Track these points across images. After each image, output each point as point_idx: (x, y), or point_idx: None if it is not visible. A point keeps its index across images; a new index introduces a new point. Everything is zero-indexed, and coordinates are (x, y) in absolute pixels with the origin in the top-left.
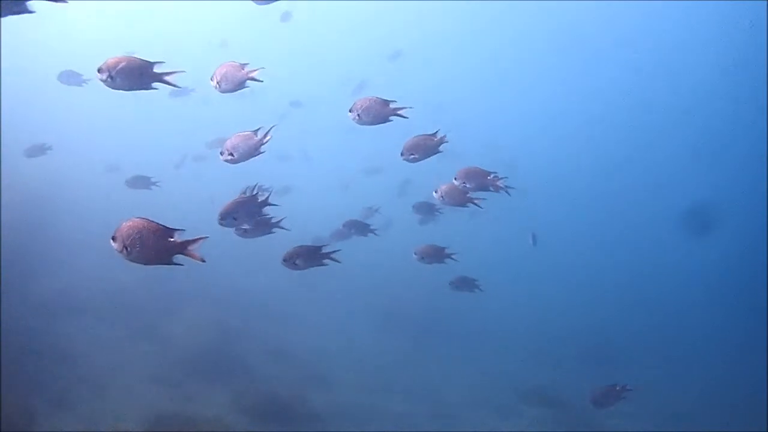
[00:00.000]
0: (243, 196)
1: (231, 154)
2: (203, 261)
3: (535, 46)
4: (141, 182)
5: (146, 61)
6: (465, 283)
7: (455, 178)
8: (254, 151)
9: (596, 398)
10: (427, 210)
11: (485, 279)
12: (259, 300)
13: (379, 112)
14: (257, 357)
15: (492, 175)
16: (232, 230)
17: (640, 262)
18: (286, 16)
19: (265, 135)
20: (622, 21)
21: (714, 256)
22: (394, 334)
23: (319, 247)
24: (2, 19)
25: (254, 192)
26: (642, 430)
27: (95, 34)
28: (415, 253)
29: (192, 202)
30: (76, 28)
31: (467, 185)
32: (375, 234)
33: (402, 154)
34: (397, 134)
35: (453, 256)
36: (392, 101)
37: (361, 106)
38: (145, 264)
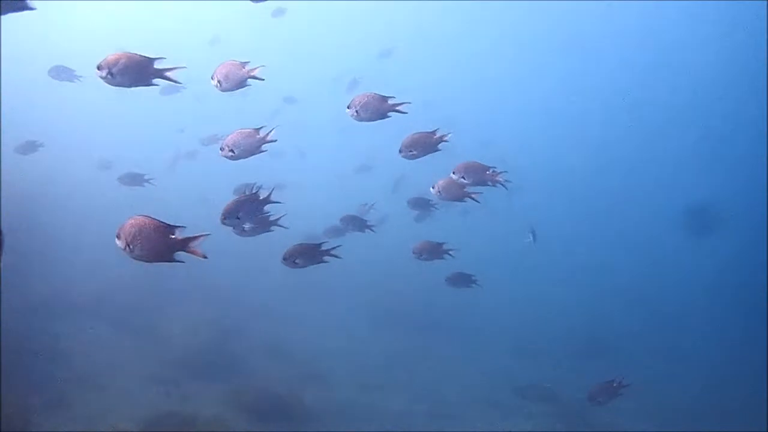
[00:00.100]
0: (244, 194)
1: (231, 151)
2: (205, 257)
3: (532, 44)
4: (134, 179)
5: (146, 57)
6: (461, 279)
7: (453, 172)
8: (255, 149)
9: (593, 394)
10: (422, 205)
11: (482, 275)
12: (256, 298)
13: (378, 109)
14: (255, 355)
15: (491, 170)
16: (229, 228)
17: (640, 261)
18: (278, 13)
19: (267, 134)
20: (620, 19)
21: (714, 256)
22: (393, 331)
23: (319, 245)
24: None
25: (254, 190)
26: (642, 428)
27: (85, 33)
28: (413, 252)
29: (185, 199)
30: (66, 26)
31: (465, 179)
32: (372, 230)
33: (401, 151)
34: (391, 131)
35: (450, 252)
36: (390, 97)
37: (360, 102)
38: (147, 261)
